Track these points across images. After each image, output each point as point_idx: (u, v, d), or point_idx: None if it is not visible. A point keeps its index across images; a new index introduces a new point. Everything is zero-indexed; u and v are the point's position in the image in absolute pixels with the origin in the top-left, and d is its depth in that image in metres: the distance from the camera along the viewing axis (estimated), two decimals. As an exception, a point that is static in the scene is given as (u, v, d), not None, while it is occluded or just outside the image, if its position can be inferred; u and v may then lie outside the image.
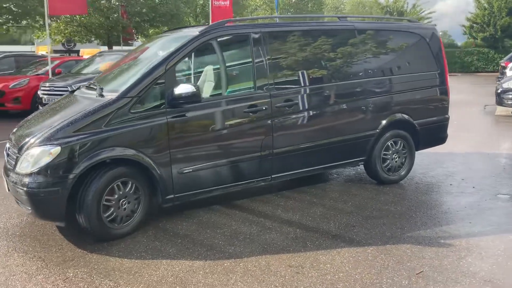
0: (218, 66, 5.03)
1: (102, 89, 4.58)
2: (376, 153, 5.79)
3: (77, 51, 31.35)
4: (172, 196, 4.57)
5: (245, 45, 4.94)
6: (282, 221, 4.75)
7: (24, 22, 26.48)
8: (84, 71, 12.63)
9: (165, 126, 4.42)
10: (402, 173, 6.03)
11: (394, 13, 47.84)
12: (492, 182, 5.99)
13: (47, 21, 13.13)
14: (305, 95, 5.21)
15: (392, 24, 6.39)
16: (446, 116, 6.35)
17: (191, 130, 4.58)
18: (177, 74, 4.61)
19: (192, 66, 5.06)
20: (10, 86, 13.21)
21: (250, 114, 4.85)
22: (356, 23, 5.65)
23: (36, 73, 14.29)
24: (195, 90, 4.35)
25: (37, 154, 4.06)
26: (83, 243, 4.26)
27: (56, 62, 15.04)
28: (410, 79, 5.97)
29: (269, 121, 4.94)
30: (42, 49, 25.30)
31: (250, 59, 4.91)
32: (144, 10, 24.81)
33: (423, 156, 7.39)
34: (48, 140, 4.10)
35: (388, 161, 5.90)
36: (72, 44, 32.12)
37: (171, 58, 4.52)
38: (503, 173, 6.40)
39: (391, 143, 5.89)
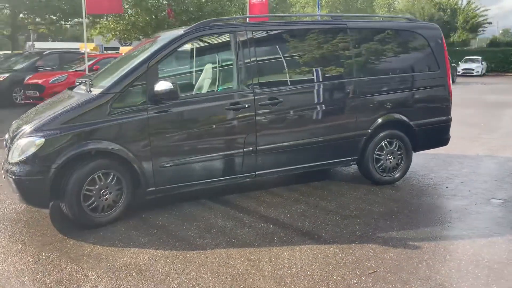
0: (202, 65, 5.18)
1: (91, 85, 4.84)
2: (369, 153, 5.75)
3: (117, 48, 32.51)
4: (153, 188, 4.77)
5: (230, 44, 5.05)
6: (259, 216, 4.84)
7: (75, 20, 27.83)
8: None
9: (146, 121, 4.62)
10: (397, 174, 5.94)
11: (448, 10, 46.17)
12: (491, 186, 5.80)
13: (85, 19, 13.74)
14: (290, 93, 5.27)
15: (389, 23, 6.29)
16: (448, 117, 6.20)
17: (172, 126, 4.76)
18: (160, 72, 4.78)
19: (176, 64, 5.22)
20: (50, 81, 14.07)
21: (233, 111, 4.95)
22: (349, 22, 5.63)
23: (75, 69, 15.07)
24: (172, 87, 4.51)
25: (24, 144, 4.37)
26: (67, 229, 4.53)
27: (96, 59, 15.76)
28: (408, 78, 5.89)
29: (252, 119, 5.03)
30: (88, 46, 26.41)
31: (234, 58, 5.02)
32: (190, 8, 25.35)
33: (430, 157, 7.25)
34: (35, 131, 4.40)
35: (382, 161, 5.85)
36: (129, 42, 33.25)
37: (153, 57, 4.71)
38: (507, 178, 6.18)
39: (385, 144, 5.82)
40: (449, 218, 4.76)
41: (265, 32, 5.25)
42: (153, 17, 24.12)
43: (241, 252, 4.00)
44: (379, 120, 5.70)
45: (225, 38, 5.14)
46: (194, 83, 5.14)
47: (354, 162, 5.80)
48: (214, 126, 4.90)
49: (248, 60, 5.03)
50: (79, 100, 4.63)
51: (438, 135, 6.20)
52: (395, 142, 5.88)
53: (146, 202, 5.05)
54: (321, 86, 5.43)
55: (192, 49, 5.13)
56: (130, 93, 4.62)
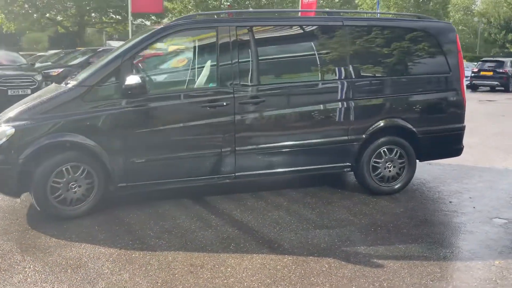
0: (180, 60, 5.03)
1: (72, 77, 4.85)
2: (364, 160, 5.34)
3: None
4: (124, 184, 4.69)
5: (212, 39, 4.87)
6: (230, 220, 4.63)
7: (140, 20, 28.89)
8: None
9: (118, 116, 4.55)
10: (397, 185, 5.47)
11: None
12: (501, 204, 5.19)
13: (130, 17, 14.12)
14: (275, 93, 5.00)
15: (393, 20, 5.79)
16: (460, 125, 5.63)
17: (144, 121, 4.66)
18: (139, 67, 4.69)
19: (153, 59, 5.11)
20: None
21: (210, 109, 4.77)
22: (346, 19, 5.25)
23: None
24: (140, 81, 4.40)
25: None
26: (37, 220, 4.57)
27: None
28: (411, 81, 5.42)
29: (231, 118, 4.82)
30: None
31: (216, 54, 4.83)
32: (250, 8, 25.44)
33: (451, 168, 6.69)
34: (8, 121, 4.46)
35: (380, 170, 5.41)
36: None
37: (128, 51, 4.64)
38: (526, 196, 5.51)
39: (384, 151, 5.38)
40: (434, 236, 4.28)
41: (250, 29, 4.99)
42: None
43: (189, 257, 3.81)
44: (377, 125, 5.27)
45: (207, 33, 4.96)
46: (173, 79, 4.99)
47: (348, 169, 5.40)
48: (189, 124, 4.74)
49: (230, 57, 4.82)
50: (54, 93, 4.64)
51: (448, 145, 5.65)
52: (395, 149, 5.42)
53: (125, 198, 4.99)
54: (310, 87, 5.11)
55: (173, 45, 4.99)
56: (103, 87, 4.57)
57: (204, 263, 3.69)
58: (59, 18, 28.67)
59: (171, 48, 5.08)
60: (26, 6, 26.47)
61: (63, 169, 4.48)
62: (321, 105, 5.11)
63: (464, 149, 7.57)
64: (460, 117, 5.60)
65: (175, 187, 4.98)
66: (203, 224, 4.51)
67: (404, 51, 5.41)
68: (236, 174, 5.00)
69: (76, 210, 4.60)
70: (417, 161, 5.66)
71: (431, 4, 50.88)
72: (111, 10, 27.98)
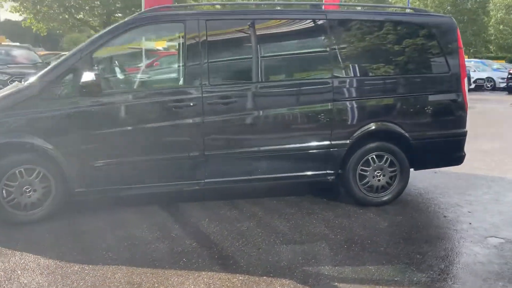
0: (148, 57, 4.68)
1: (34, 73, 4.58)
2: (350, 167, 4.85)
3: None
4: (83, 189, 4.39)
5: (178, 34, 4.50)
6: (193, 231, 4.26)
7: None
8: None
9: (75, 115, 4.25)
10: (386, 197, 4.96)
11: None
12: (502, 220, 4.61)
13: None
14: (247, 93, 4.58)
15: (384, 14, 5.22)
16: (461, 130, 5.07)
17: (104, 122, 4.34)
18: (95, 63, 4.37)
19: (114, 55, 4.77)
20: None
21: (176, 110, 4.41)
22: (330, 13, 4.78)
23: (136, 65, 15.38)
24: (94, 79, 4.08)
25: None
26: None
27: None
28: (404, 81, 4.90)
29: (199, 120, 4.44)
30: (158, 44, 27.27)
31: (182, 50, 4.46)
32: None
33: (456, 177, 6.12)
34: None
35: (368, 178, 4.91)
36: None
37: (88, 46, 4.32)
38: (534, 212, 4.89)
39: (372, 158, 4.88)
40: (413, 257, 3.77)
41: (221, 22, 4.60)
42: None
43: (130, 272, 3.46)
44: (364, 129, 4.78)
45: (173, 28, 4.60)
46: (137, 76, 4.64)
47: (332, 177, 4.92)
48: (153, 125, 4.39)
49: (198, 54, 4.44)
50: (11, 91, 4.38)
51: (446, 152, 5.09)
52: (385, 156, 4.91)
53: (92, 204, 4.72)
54: (288, 86, 4.67)
55: (134, 39, 4.64)
56: (61, 84, 4.27)
57: (143, 281, 3.33)
58: (85, 17, 29.01)
59: (138, 43, 4.72)
60: (55, 6, 26.83)
61: (16, 171, 4.20)
62: (300, 107, 4.67)
63: (479, 156, 7.03)
64: (461, 122, 5.04)
65: (140, 193, 4.62)
66: (161, 235, 4.14)
67: (396, 48, 4.89)
68: (206, 180, 4.62)
69: (30, 216, 4.32)
70: (412, 169, 5.13)
71: (469, 2, 48.92)
72: (137, 10, 28.10)
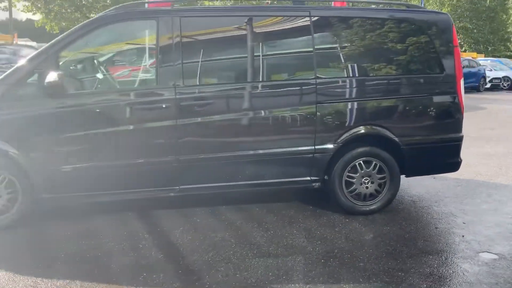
0: (121, 56, 4.44)
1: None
2: (335, 173, 4.55)
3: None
4: (51, 195, 4.17)
5: (152, 32, 4.25)
6: (162, 242, 4.03)
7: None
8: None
9: (41, 117, 4.05)
10: (375, 205, 4.66)
11: None
12: (498, 233, 4.26)
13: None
14: (224, 94, 4.32)
15: (373, 11, 4.87)
16: (456, 135, 4.73)
17: (73, 124, 4.11)
18: (63, 62, 4.15)
19: (84, 54, 4.53)
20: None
21: (148, 112, 4.16)
22: (314, 9, 4.47)
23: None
24: (57, 79, 3.85)
25: None
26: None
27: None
28: (394, 82, 4.58)
29: (173, 122, 4.19)
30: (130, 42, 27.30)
31: (156, 49, 4.21)
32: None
33: (455, 183, 5.80)
34: None
35: (355, 185, 4.60)
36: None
37: (55, 44, 4.10)
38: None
39: (359, 164, 4.57)
40: (394, 274, 3.46)
41: (196, 19, 4.33)
42: None
43: (83, 288, 3.21)
44: (350, 134, 4.48)
45: (146, 25, 4.34)
46: (107, 76, 4.40)
47: (316, 184, 4.62)
48: (124, 128, 4.15)
49: (172, 53, 4.18)
50: (-24, 92, 4.17)
51: (440, 158, 4.76)
52: (374, 162, 4.59)
53: (66, 211, 4.51)
54: (268, 87, 4.39)
55: (105, 37, 4.40)
56: (26, 85, 4.05)
57: (94, 298, 3.07)
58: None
59: (108, 42, 4.48)
60: (66, 5, 26.87)
61: (-22, 176, 4.00)
62: (281, 109, 4.38)
63: (483, 160, 6.66)
64: (456, 126, 4.70)
65: (112, 200, 4.39)
66: (128, 246, 3.90)
67: (385, 47, 4.57)
68: (181, 187, 4.36)
69: (-3, 223, 4.11)
70: (404, 176, 4.82)
71: (488, 1, 47.73)
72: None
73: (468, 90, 21.92)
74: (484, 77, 23.33)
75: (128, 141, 4.16)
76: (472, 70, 22.47)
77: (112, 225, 4.34)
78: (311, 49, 4.40)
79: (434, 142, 4.64)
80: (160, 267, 3.53)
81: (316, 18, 4.43)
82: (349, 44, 4.52)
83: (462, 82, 4.65)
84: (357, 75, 4.51)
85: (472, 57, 27.25)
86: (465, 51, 41.07)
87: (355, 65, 4.52)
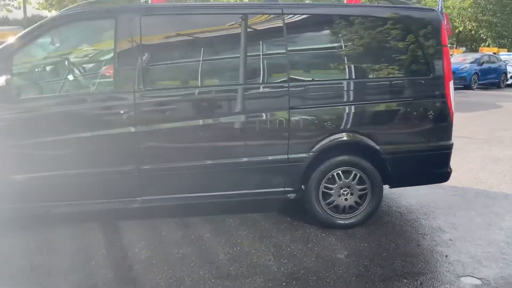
0: (78, 58, 4.17)
1: None
2: (311, 184, 4.21)
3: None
4: (1, 206, 3.93)
5: (110, 32, 3.96)
6: (118, 259, 3.77)
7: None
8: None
9: (-10, 124, 3.80)
10: (355, 218, 4.32)
11: None
12: (487, 254, 3.86)
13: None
14: (188, 99, 4.02)
15: (352, 7, 4.46)
16: (445, 143, 4.33)
17: (24, 131, 3.86)
18: (15, 65, 3.89)
19: (39, 57, 4.26)
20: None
21: (106, 118, 3.89)
22: (286, 6, 4.11)
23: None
24: (5, 84, 3.60)
25: None
26: None
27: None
28: (376, 85, 4.20)
29: (132, 129, 3.90)
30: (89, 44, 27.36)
31: (113, 51, 3.92)
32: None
33: (452, 192, 5.43)
34: None
35: (333, 197, 4.26)
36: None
37: (7, 47, 3.86)
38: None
39: (337, 174, 4.22)
40: (361, 301, 3.11)
41: (158, 18, 4.03)
42: None
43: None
44: (327, 141, 4.13)
45: (104, 25, 4.05)
46: (64, 80, 4.12)
47: (292, 195, 4.29)
48: (79, 135, 3.88)
49: (131, 54, 3.89)
50: None
51: (428, 168, 4.37)
52: (354, 172, 4.24)
53: (21, 223, 4.28)
54: (236, 91, 4.06)
55: (61, 38, 4.13)
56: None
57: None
58: None
59: (64, 44, 4.21)
60: (79, 1, 26.94)
61: None
62: (251, 115, 4.05)
63: (489, 165, 6.24)
64: (444, 133, 4.31)
65: (70, 211, 4.15)
66: (80, 262, 3.66)
67: (365, 47, 4.19)
68: (143, 198, 4.08)
69: None
70: (388, 187, 4.45)
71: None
72: None
73: (488, 86, 21.19)
74: (505, 73, 22.49)
75: (84, 149, 3.89)
76: (493, 65, 21.70)
77: (68, 238, 4.09)
78: (283, 49, 4.05)
79: (420, 150, 4.26)
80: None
81: (289, 16, 4.08)
82: (325, 45, 4.16)
83: (451, 84, 4.24)
84: (333, 78, 4.15)
85: (494, 52, 26.35)
86: (488, 45, 39.86)
87: (332, 67, 4.15)
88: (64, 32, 4.01)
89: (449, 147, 4.32)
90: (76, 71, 4.06)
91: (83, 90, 4.01)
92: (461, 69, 20.03)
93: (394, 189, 5.10)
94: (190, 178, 4.08)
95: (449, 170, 4.41)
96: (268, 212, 4.75)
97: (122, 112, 3.87)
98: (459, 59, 21.72)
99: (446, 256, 3.79)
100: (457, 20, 39.87)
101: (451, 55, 28.31)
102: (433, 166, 4.35)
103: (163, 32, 4.04)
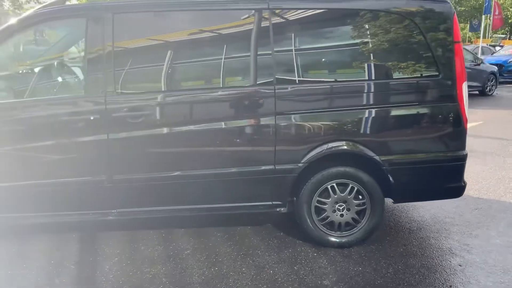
0: (40, 60, 3.91)
1: None
2: (303, 198, 3.79)
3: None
4: (-27, 217, 3.75)
5: (81, 32, 3.66)
6: (83, 278, 3.49)
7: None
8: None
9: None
10: (352, 237, 3.86)
11: None
12: (500, 285, 3.31)
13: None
14: (163, 104, 3.67)
15: (345, 2, 3.88)
16: (458, 153, 3.79)
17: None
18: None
19: (9, 60, 4.01)
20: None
21: (74, 125, 3.61)
22: (272, 1, 3.67)
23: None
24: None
25: None
26: None
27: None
28: (377, 88, 3.69)
29: (103, 137, 3.61)
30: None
31: (84, 52, 3.63)
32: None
33: (474, 205, 4.83)
34: None
35: (327, 212, 3.82)
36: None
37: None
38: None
39: (332, 187, 3.78)
40: None
41: (131, 16, 3.69)
42: None
43: None
44: (320, 151, 3.68)
45: (76, 24, 3.76)
46: (30, 84, 3.86)
47: (282, 209, 3.88)
48: (46, 143, 3.62)
49: (102, 56, 3.58)
50: None
51: (437, 182, 3.84)
52: (350, 186, 3.77)
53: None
54: (215, 96, 3.68)
55: (32, 40, 3.88)
56: None
57: None
58: None
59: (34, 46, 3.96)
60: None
61: None
62: (231, 121, 3.66)
63: (519, 174, 5.57)
64: (456, 142, 3.76)
65: (43, 222, 3.92)
66: (45, 279, 3.42)
67: (363, 44, 3.70)
68: (118, 210, 3.78)
69: None
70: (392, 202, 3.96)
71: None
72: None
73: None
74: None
75: (52, 157, 3.62)
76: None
77: (42, 249, 3.87)
78: (269, 48, 3.62)
79: (427, 162, 3.74)
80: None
81: (275, 11, 3.64)
82: (315, 44, 3.70)
83: (464, 87, 3.68)
84: (326, 79, 3.69)
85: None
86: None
87: (323, 68, 3.69)
88: (34, 32, 3.73)
89: (462, 158, 3.77)
90: (45, 74, 3.79)
91: (51, 95, 3.72)
92: (510, 61, 18.72)
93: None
94: (165, 190, 3.75)
95: (462, 184, 3.87)
96: (262, 225, 4.37)
97: (92, 118, 3.57)
98: (510, 50, 20.31)
99: (450, 286, 3.26)
100: (510, 9, 37.69)
101: (501, 45, 26.64)
102: (443, 180, 3.81)
103: (138, 31, 3.71)
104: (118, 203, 3.77)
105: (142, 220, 4.21)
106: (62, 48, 4.00)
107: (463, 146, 3.77)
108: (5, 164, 3.64)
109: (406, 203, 4.77)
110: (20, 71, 3.92)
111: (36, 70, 3.84)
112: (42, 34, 3.87)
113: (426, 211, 4.65)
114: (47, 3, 3.73)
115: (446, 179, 3.81)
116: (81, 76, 3.67)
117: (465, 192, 4.73)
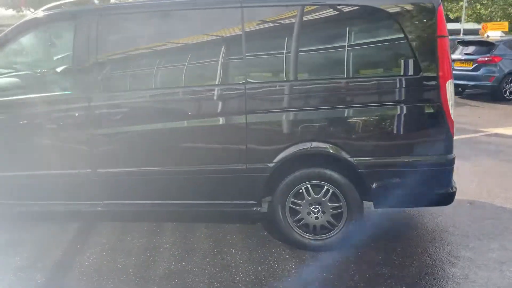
0: (38, 61, 4.21)
1: None
2: (277, 199, 3.74)
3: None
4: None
5: (71, 34, 3.91)
6: (59, 277, 3.69)
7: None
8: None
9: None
10: (327, 241, 3.72)
11: None
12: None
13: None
14: (142, 101, 3.81)
15: None
16: (444, 157, 3.49)
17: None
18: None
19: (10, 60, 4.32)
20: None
21: (60, 120, 3.87)
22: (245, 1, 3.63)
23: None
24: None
25: None
26: None
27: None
28: (352, 87, 3.53)
29: (88, 132, 3.84)
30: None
31: (72, 52, 3.88)
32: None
33: (482, 210, 4.42)
34: None
35: (301, 214, 3.73)
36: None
37: (-21, 51, 4.04)
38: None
39: (306, 188, 3.68)
40: None
41: (116, 18, 3.85)
42: None
43: None
44: (292, 151, 3.60)
45: (68, 27, 3.99)
46: (19, 83, 4.19)
47: (257, 208, 3.84)
48: (36, 138, 3.93)
49: (87, 55, 3.80)
50: None
51: (421, 187, 3.56)
52: (326, 188, 3.65)
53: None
54: (192, 94, 3.74)
55: (35, 40, 4.20)
56: None
57: None
58: None
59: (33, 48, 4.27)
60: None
61: None
62: (204, 119, 3.70)
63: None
64: (441, 144, 3.47)
65: (34, 211, 4.21)
66: (26, 276, 3.58)
67: (338, 40, 3.53)
68: (104, 202, 4.00)
69: None
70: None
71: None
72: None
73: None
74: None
75: (42, 150, 3.92)
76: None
77: (39, 237, 4.16)
78: (241, 47, 3.59)
79: (407, 165, 3.49)
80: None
81: (248, 8, 3.61)
82: (289, 40, 3.59)
83: (449, 85, 3.37)
84: (298, 78, 3.58)
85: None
86: None
87: (297, 66, 3.57)
88: (39, 34, 4.06)
89: (448, 163, 3.47)
90: (34, 74, 4.10)
91: (41, 93, 4.00)
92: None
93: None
94: (147, 185, 3.88)
95: (450, 190, 3.55)
96: (254, 224, 4.34)
97: (77, 114, 3.80)
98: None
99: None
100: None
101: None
102: (428, 185, 3.53)
103: (122, 32, 3.87)
104: (103, 196, 3.98)
105: (142, 213, 4.37)
106: (54, 50, 4.28)
107: (449, 150, 3.47)
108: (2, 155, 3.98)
109: (408, 209, 4.47)
110: (12, 72, 4.25)
111: (28, 69, 4.16)
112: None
113: (432, 219, 4.35)
114: (50, 5, 4.00)
115: (431, 185, 3.53)
116: (69, 73, 3.89)
117: (485, 199, 4.39)
